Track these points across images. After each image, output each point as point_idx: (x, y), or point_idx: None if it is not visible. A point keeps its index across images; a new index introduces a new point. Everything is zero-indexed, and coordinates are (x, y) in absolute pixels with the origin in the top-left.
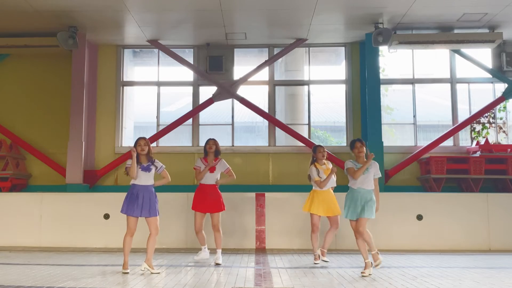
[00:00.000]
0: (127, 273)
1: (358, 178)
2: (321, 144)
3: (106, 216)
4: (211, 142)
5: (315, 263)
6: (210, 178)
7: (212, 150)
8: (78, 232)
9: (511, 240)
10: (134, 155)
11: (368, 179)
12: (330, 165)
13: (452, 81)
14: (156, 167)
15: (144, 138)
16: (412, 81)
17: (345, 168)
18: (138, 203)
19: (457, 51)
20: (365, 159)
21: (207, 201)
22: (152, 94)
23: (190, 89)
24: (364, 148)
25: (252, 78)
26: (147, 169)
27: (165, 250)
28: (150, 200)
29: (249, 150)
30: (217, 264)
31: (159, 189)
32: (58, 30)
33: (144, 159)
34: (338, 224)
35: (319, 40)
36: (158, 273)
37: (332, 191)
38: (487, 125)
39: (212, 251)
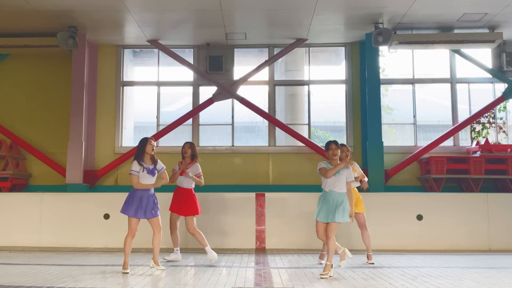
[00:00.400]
0: (127, 273)
1: (330, 180)
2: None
3: (106, 216)
4: (187, 146)
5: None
6: (185, 182)
7: (187, 155)
8: (78, 232)
9: (511, 240)
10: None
11: (339, 181)
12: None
13: (452, 81)
14: (158, 169)
15: (153, 139)
16: (412, 81)
17: (318, 168)
18: (142, 205)
19: (457, 51)
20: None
21: (181, 204)
22: (152, 94)
23: (190, 89)
24: (339, 151)
25: (252, 78)
26: (152, 173)
27: (165, 250)
28: (153, 202)
29: (249, 150)
30: (211, 260)
31: (159, 189)
32: (58, 30)
33: (149, 161)
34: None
35: (319, 40)
36: (164, 269)
37: (356, 190)
38: (487, 125)
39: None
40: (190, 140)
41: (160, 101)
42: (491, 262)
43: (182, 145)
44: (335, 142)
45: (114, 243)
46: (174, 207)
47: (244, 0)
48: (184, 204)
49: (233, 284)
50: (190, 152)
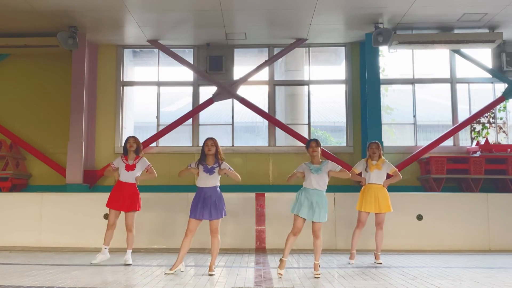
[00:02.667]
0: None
1: (313, 178)
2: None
3: (106, 216)
4: (131, 140)
5: (350, 263)
6: (128, 176)
7: (133, 149)
8: (78, 232)
9: (511, 240)
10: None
11: (322, 179)
12: (384, 163)
13: (452, 81)
14: (141, 165)
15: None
16: (412, 81)
17: (296, 170)
18: (122, 198)
19: (457, 51)
20: (320, 160)
21: (123, 199)
22: (152, 94)
23: (190, 89)
24: (319, 148)
25: (252, 78)
26: (131, 168)
27: (165, 250)
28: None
29: (249, 150)
30: (127, 265)
31: (159, 189)
32: (58, 30)
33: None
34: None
35: (319, 40)
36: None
37: (385, 187)
38: (487, 125)
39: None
40: (190, 140)
41: (160, 101)
42: (491, 262)
43: (182, 145)
44: (315, 140)
45: (114, 243)
46: (113, 203)
47: (244, 0)
48: (126, 199)
49: (233, 284)
50: (135, 146)
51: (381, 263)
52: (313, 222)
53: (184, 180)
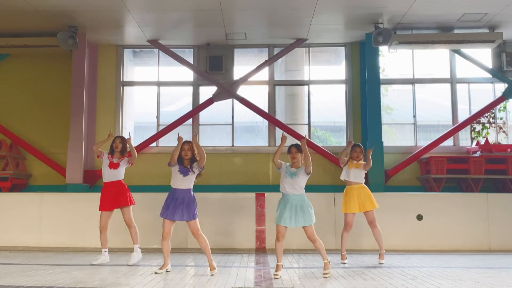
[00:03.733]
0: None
1: (287, 183)
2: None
3: None
4: (118, 141)
5: (343, 263)
6: (112, 175)
7: (118, 150)
8: (78, 232)
9: (511, 240)
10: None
11: (297, 184)
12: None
13: (452, 81)
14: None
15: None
16: (412, 81)
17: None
18: (110, 197)
19: (457, 51)
20: (300, 166)
21: (112, 197)
22: (152, 94)
23: (190, 89)
24: (299, 155)
25: (252, 78)
26: (113, 166)
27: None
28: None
29: (249, 150)
30: (132, 265)
31: (158, 189)
32: (58, 30)
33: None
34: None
35: (319, 40)
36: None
37: (366, 187)
38: (487, 125)
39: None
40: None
41: (160, 101)
42: (491, 262)
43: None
44: (296, 145)
45: (114, 243)
46: (105, 205)
47: (244, 0)
48: (116, 197)
49: (233, 284)
50: (121, 146)
51: (382, 263)
52: (303, 227)
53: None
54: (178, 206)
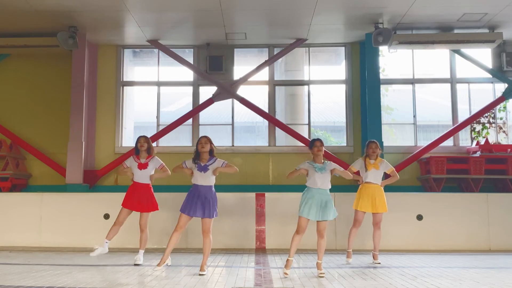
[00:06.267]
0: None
1: (317, 178)
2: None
3: (106, 216)
4: (143, 140)
5: (348, 262)
6: (142, 175)
7: (144, 148)
8: (78, 232)
9: (511, 240)
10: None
11: (326, 178)
12: (382, 163)
13: (452, 81)
14: (154, 164)
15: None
16: (412, 81)
17: (298, 167)
18: (137, 198)
19: (457, 51)
20: (322, 160)
21: (138, 199)
22: (152, 94)
23: (190, 89)
24: (323, 148)
25: (252, 78)
26: (143, 167)
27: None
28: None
29: (249, 150)
30: (137, 265)
31: (158, 189)
32: (58, 30)
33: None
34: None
35: (319, 40)
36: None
37: (382, 189)
38: (487, 125)
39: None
40: (190, 140)
41: (160, 101)
42: (491, 262)
43: (182, 145)
44: (319, 139)
45: (114, 243)
46: (129, 203)
47: (244, 0)
48: (141, 199)
49: (233, 284)
50: (146, 146)
51: (379, 263)
52: (318, 221)
53: (184, 180)
54: (199, 202)
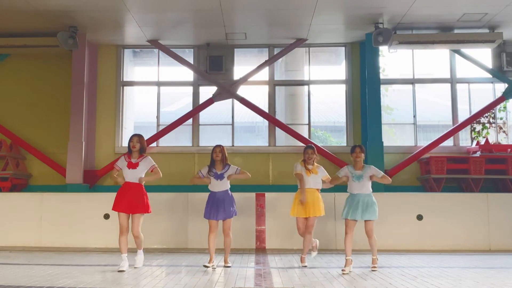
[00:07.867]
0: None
1: (356, 185)
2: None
3: (106, 216)
4: (135, 139)
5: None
6: (131, 175)
7: (136, 149)
8: (78, 232)
9: (511, 240)
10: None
11: (364, 186)
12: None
13: (452, 81)
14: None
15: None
16: (412, 81)
17: (338, 173)
18: (127, 199)
19: (457, 51)
20: (363, 164)
21: (129, 200)
22: (152, 94)
23: (190, 89)
24: (363, 154)
25: (252, 78)
26: (133, 166)
27: (165, 250)
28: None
29: (249, 150)
30: (135, 268)
31: (158, 189)
32: (58, 30)
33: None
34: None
35: (319, 40)
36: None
37: (317, 191)
38: (487, 125)
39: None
40: (190, 140)
41: (160, 101)
42: (491, 262)
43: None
44: (360, 146)
45: (114, 243)
46: (119, 205)
47: (244, 0)
48: (132, 200)
49: (233, 284)
50: (139, 146)
51: (306, 266)
52: (365, 222)
53: (184, 180)
54: (219, 206)
